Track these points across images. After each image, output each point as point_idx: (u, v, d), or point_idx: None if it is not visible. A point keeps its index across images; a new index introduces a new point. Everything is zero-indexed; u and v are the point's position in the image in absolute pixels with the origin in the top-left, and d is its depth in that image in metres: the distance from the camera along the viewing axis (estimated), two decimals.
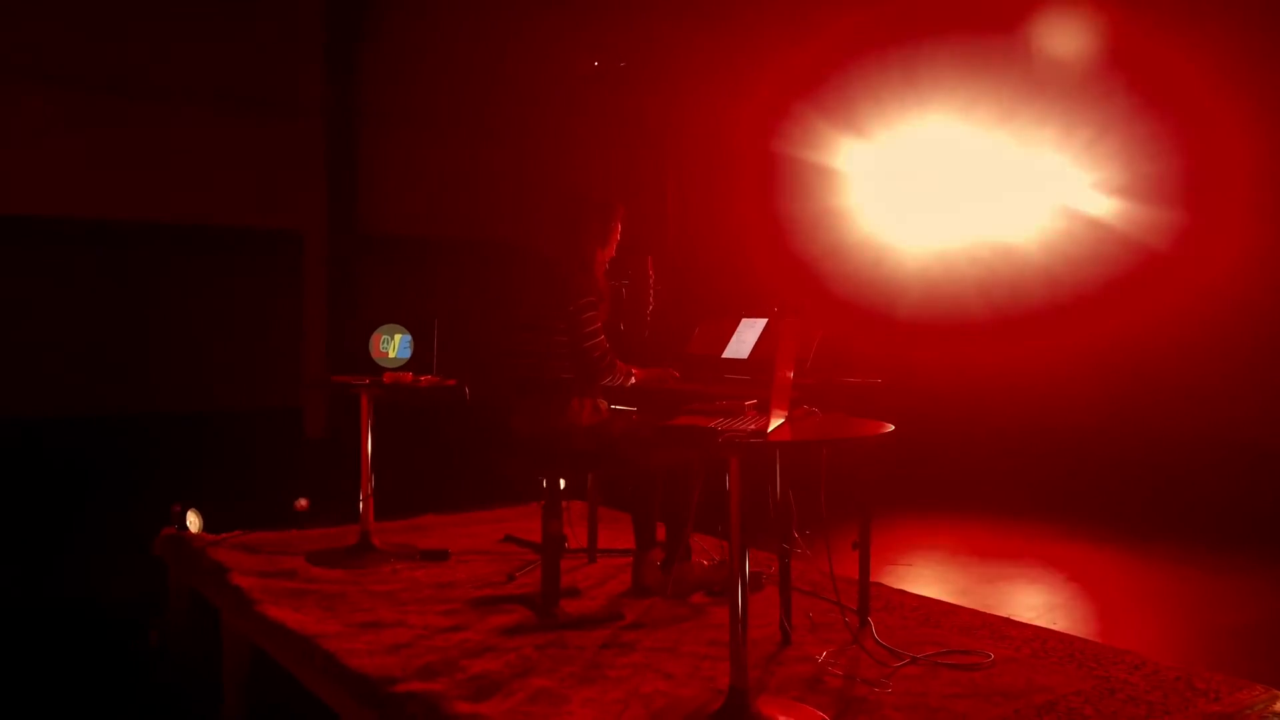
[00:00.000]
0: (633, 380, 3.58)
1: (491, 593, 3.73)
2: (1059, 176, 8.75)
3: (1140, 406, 8.15)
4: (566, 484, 3.55)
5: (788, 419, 2.59)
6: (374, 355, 4.26)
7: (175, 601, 4.29)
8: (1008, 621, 3.50)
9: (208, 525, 4.56)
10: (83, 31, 9.35)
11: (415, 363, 4.26)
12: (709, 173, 9.81)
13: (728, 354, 3.87)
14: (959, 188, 9.33)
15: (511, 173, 10.45)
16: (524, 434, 3.49)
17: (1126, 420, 8.22)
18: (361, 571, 3.98)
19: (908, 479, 8.15)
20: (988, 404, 9.14)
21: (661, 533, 3.79)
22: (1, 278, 11.13)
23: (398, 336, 4.27)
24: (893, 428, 2.83)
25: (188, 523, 4.46)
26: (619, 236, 3.65)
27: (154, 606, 4.41)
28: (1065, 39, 8.50)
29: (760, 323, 3.86)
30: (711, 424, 2.41)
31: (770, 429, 2.33)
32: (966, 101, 9.03)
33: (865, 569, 3.45)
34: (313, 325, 10.47)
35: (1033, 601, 4.59)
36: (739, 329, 3.92)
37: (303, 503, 4.53)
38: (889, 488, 8.03)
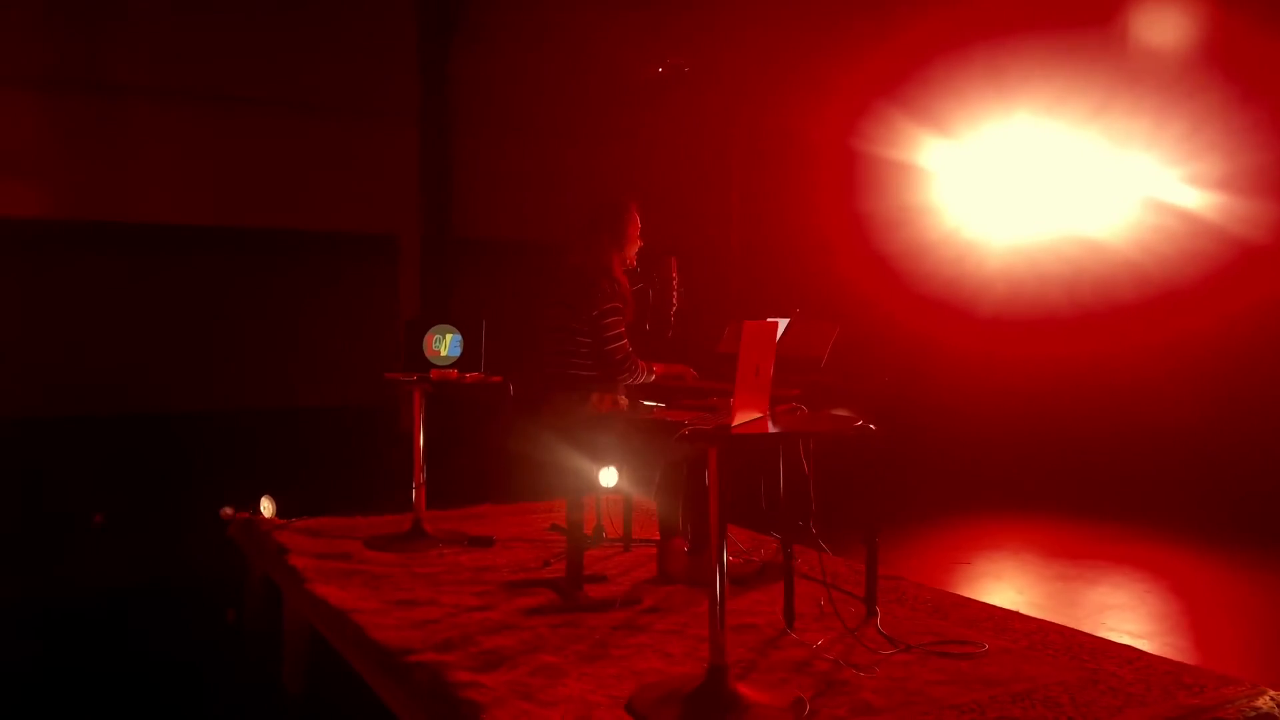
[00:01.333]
0: (653, 377, 3.77)
1: (525, 576, 3.97)
2: (1150, 171, 8.59)
3: (1235, 405, 7.94)
4: (602, 475, 3.77)
5: (766, 415, 2.76)
6: (427, 354, 4.55)
7: (250, 581, 4.66)
8: (1013, 615, 3.57)
9: (283, 512, 4.93)
10: (190, 44, 9.96)
11: (465, 360, 4.53)
12: (787, 171, 9.91)
13: None
14: (1045, 183, 9.25)
15: (596, 175, 10.72)
16: (550, 426, 3.72)
17: (1220, 420, 8.02)
18: (411, 555, 4.27)
19: (985, 477, 8.13)
20: (1073, 401, 9.01)
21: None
22: (118, 282, 11.96)
23: (449, 336, 4.55)
24: (867, 424, 2.97)
25: (261, 508, 4.84)
26: (637, 232, 3.84)
27: (233, 586, 4.80)
28: (1159, 32, 8.35)
29: (783, 323, 4.00)
30: (682, 418, 2.59)
31: (735, 424, 2.50)
32: (1055, 97, 8.94)
33: (873, 562, 3.57)
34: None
35: (1100, 603, 4.59)
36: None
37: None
38: (960, 486, 8.04)
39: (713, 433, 2.51)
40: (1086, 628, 3.60)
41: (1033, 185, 9.33)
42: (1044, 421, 9.06)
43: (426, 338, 4.55)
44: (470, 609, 3.53)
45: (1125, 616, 4.40)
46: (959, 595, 3.85)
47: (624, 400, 3.73)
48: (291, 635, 4.01)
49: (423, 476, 4.57)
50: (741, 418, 2.54)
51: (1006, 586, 5.01)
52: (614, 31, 9.49)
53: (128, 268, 11.93)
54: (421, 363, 4.52)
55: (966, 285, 9.90)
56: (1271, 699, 2.81)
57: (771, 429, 2.62)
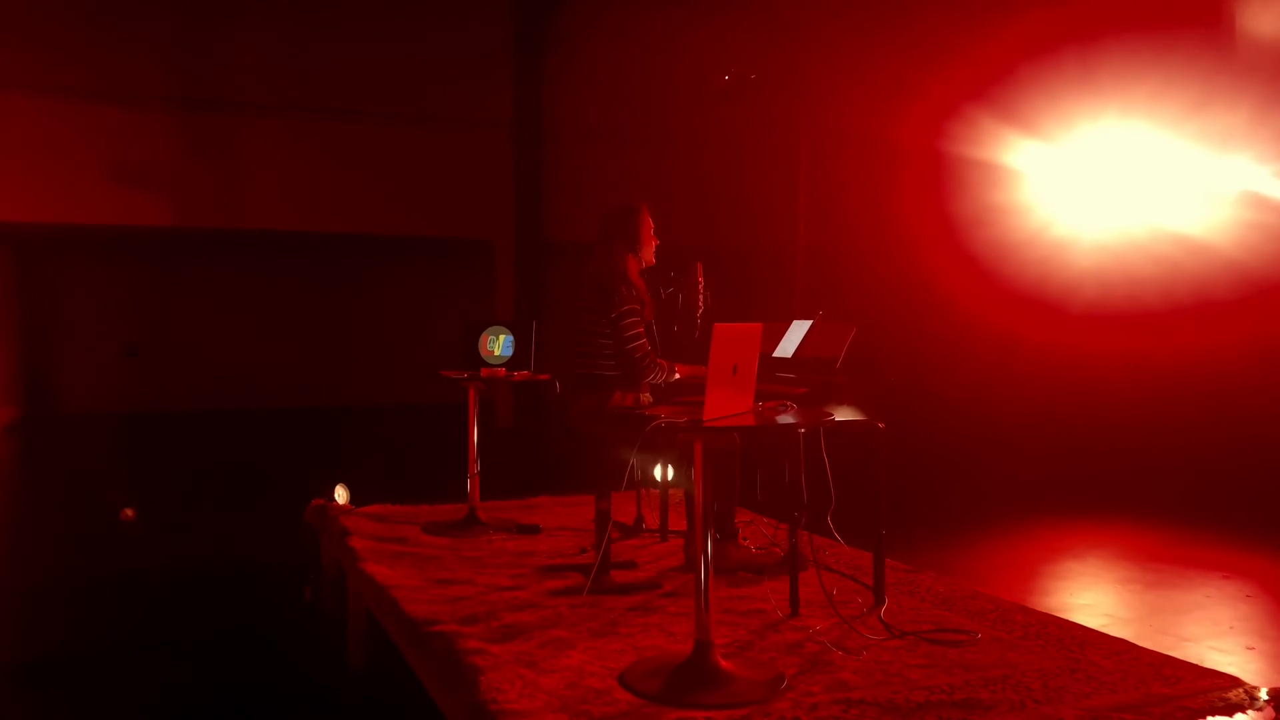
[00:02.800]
0: (676, 376, 4.00)
1: (561, 562, 4.25)
2: (1248, 168, 8.40)
3: None
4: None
5: (750, 411, 2.97)
6: (482, 353, 4.88)
7: (325, 562, 5.07)
8: (1018, 608, 3.68)
9: (374, 500, 5.32)
10: (301, 63, 10.61)
11: (516, 360, 4.84)
12: (867, 173, 9.97)
13: (777, 353, 4.22)
14: (1138, 181, 9.12)
15: (675, 177, 10.98)
16: (578, 422, 3.99)
17: None
18: (462, 540, 4.60)
19: (1078, 478, 8.07)
20: (1168, 401, 8.86)
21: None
22: (236, 286, 12.79)
23: (502, 336, 4.87)
24: (873, 422, 3.14)
25: (335, 495, 5.24)
26: (651, 233, 4.08)
27: (310, 567, 5.22)
28: (1259, 26, 8.18)
29: (807, 324, 4.18)
30: (668, 414, 2.83)
31: (707, 419, 2.73)
32: (1149, 95, 8.82)
33: (880, 554, 3.73)
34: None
35: (1183, 602, 4.60)
36: (790, 329, 4.26)
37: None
38: (1053, 487, 7.98)
39: (685, 425, 2.74)
40: (1191, 640, 3.65)
41: (1125, 183, 9.20)
42: (1137, 422, 8.93)
43: (482, 338, 4.88)
44: (502, 589, 3.83)
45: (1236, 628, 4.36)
46: (970, 588, 3.96)
47: (647, 398, 3.97)
48: (354, 613, 4.37)
49: (477, 468, 4.90)
50: (716, 413, 2.75)
51: (1098, 595, 5.00)
52: (693, 38, 9.74)
53: (244, 273, 12.78)
54: (477, 361, 4.85)
55: (1055, 283, 9.82)
56: (1245, 692, 2.88)
57: (740, 424, 2.83)
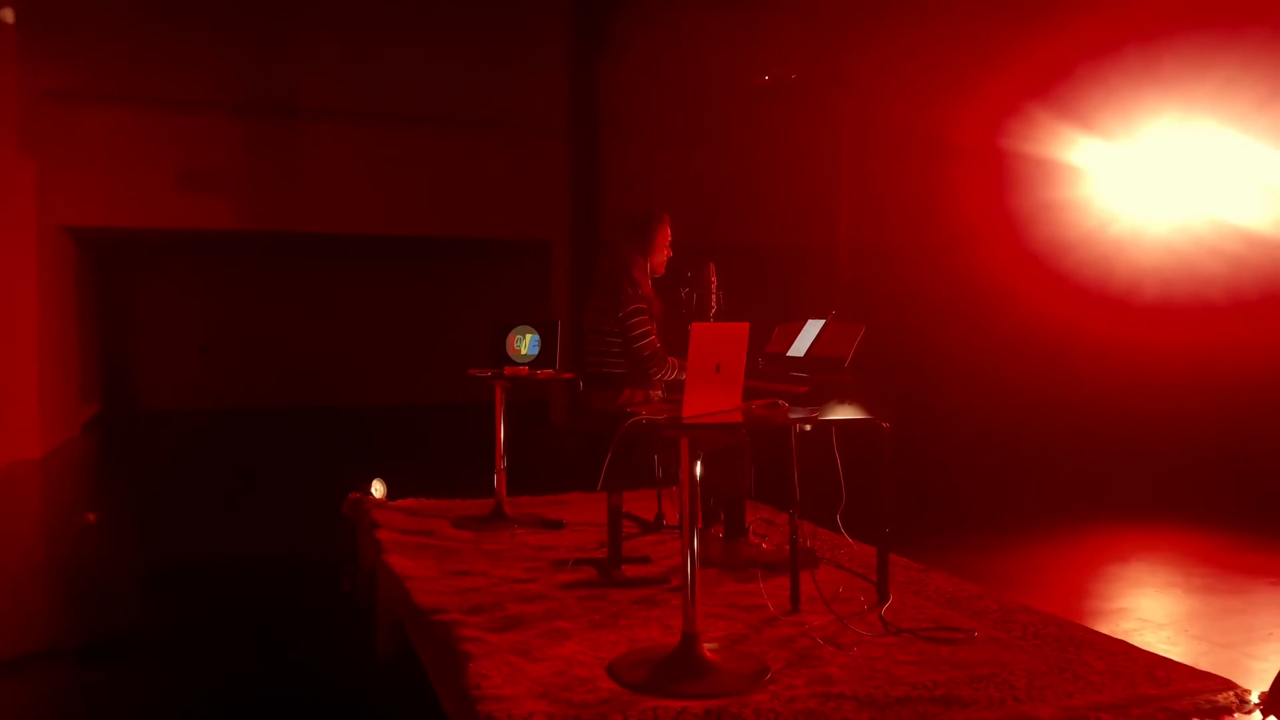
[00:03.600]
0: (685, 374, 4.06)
1: (578, 555, 4.34)
2: None
3: None
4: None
5: (737, 409, 3.02)
6: (509, 352, 5.00)
7: (361, 554, 5.24)
8: (1023, 608, 3.67)
9: (418, 493, 5.48)
10: (360, 69, 10.89)
11: (541, 359, 4.95)
12: (921, 170, 9.90)
13: (791, 352, 4.26)
14: (1203, 177, 8.94)
15: (726, 177, 11.02)
16: (590, 419, 4.08)
17: None
18: (486, 534, 4.73)
19: (1139, 478, 7.92)
20: (1230, 399, 8.66)
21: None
22: (299, 287, 13.18)
23: (528, 335, 4.98)
24: (877, 421, 3.17)
25: (372, 489, 5.42)
26: (666, 242, 4.15)
27: (349, 558, 5.39)
28: None
29: (820, 323, 4.21)
30: (640, 412, 2.90)
31: (686, 416, 2.79)
32: (1213, 93, 8.65)
33: (884, 553, 3.75)
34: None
35: (1225, 607, 4.51)
36: (804, 329, 4.29)
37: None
38: (1111, 487, 7.85)
39: (664, 422, 2.81)
40: (1225, 645, 3.64)
41: (1188, 179, 9.02)
42: (1199, 421, 8.74)
43: (509, 337, 5.00)
44: (514, 581, 3.94)
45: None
46: (977, 587, 3.95)
47: (657, 394, 4.04)
48: (382, 603, 4.52)
49: (503, 464, 5.02)
50: (696, 410, 2.82)
51: (1136, 600, 4.91)
52: (743, 38, 9.78)
53: (307, 275, 13.16)
54: (503, 360, 4.97)
55: (1117, 280, 9.66)
56: (1236, 695, 2.85)
57: (721, 421, 2.89)
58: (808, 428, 3.71)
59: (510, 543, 4.62)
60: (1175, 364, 9.02)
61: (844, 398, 3.63)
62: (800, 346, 4.22)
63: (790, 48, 10.20)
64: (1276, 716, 2.75)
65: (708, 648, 3.08)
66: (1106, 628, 3.92)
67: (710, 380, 2.86)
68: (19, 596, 5.01)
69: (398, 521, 4.83)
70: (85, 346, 11.53)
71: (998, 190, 10.12)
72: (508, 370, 4.90)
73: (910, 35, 9.60)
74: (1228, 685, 2.91)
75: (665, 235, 4.23)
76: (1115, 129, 9.30)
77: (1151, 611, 4.67)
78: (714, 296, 4.23)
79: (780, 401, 3.25)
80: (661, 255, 4.21)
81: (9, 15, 8.87)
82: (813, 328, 4.24)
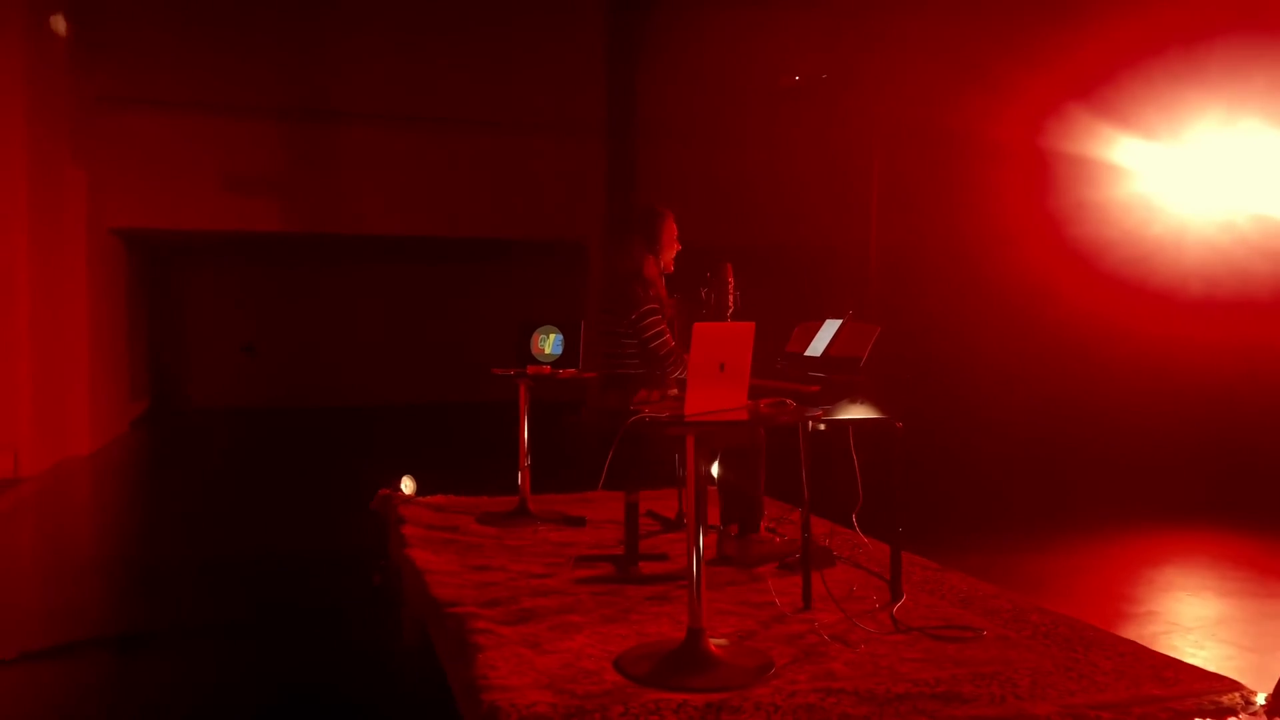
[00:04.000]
0: None
1: (597, 552, 4.40)
2: None
3: None
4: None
5: (743, 407, 3.07)
6: (533, 351, 5.08)
7: (390, 548, 5.35)
8: (1036, 608, 3.66)
9: (456, 490, 5.58)
10: (401, 74, 11.06)
11: (565, 358, 5.02)
12: (969, 171, 9.85)
13: (808, 352, 4.28)
14: (1248, 176, 8.83)
15: (762, 178, 11.04)
16: (607, 419, 4.14)
17: None
18: (508, 530, 4.81)
19: (1181, 479, 7.83)
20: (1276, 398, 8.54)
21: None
22: (342, 288, 13.39)
23: (552, 335, 5.06)
24: (893, 421, 3.21)
25: (402, 485, 5.52)
26: (673, 238, 4.20)
27: (379, 553, 5.50)
28: None
29: (837, 323, 4.24)
30: (643, 411, 2.95)
31: (689, 414, 2.84)
32: (1259, 92, 8.54)
33: (897, 551, 3.77)
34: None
35: (1256, 610, 4.44)
36: (822, 328, 4.31)
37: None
38: (1154, 489, 7.76)
39: (667, 420, 2.86)
40: (1251, 649, 3.61)
41: (1232, 179, 8.91)
42: (1245, 421, 8.63)
43: (534, 336, 5.08)
44: (532, 575, 4.01)
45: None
46: (993, 587, 3.95)
47: (674, 393, 4.09)
48: (407, 596, 4.62)
49: (527, 461, 5.10)
50: (699, 408, 2.87)
51: (1167, 603, 4.86)
52: (777, 38, 9.79)
53: (349, 275, 13.38)
54: (527, 359, 5.05)
55: (1159, 279, 9.56)
56: (1241, 696, 2.84)
57: (725, 419, 2.93)
58: (821, 426, 3.75)
59: (532, 539, 4.69)
60: (1219, 363, 8.92)
61: (856, 397, 3.66)
62: (817, 346, 4.24)
63: (823, 47, 10.19)
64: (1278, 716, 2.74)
65: (714, 643, 3.12)
66: (1133, 631, 3.91)
67: (714, 379, 2.90)
68: (65, 586, 5.18)
69: (424, 517, 4.92)
70: (135, 346, 11.83)
71: (1036, 189, 10.06)
72: (530, 369, 4.98)
73: (944, 34, 9.55)
74: (1234, 687, 2.90)
75: (672, 231, 4.28)
76: (1158, 128, 9.20)
77: (1181, 615, 4.64)
78: (731, 296, 4.26)
79: (787, 400, 3.28)
80: (670, 252, 4.27)
81: (61, 26, 9.14)
82: (830, 327, 4.26)
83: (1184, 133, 9.01)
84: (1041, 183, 10.14)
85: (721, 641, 3.21)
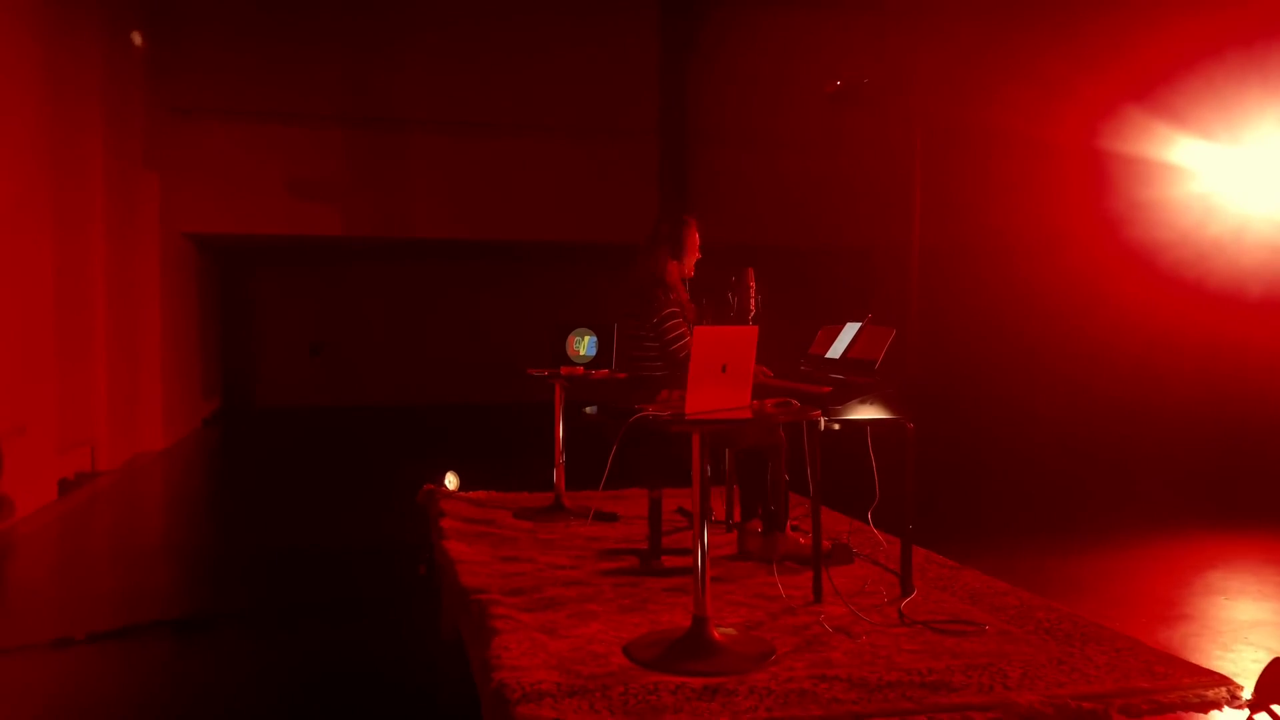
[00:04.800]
0: None
1: (625, 546, 4.58)
2: None
3: None
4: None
5: (746, 406, 3.22)
6: (569, 353, 5.28)
7: (434, 541, 5.58)
8: (1044, 605, 3.75)
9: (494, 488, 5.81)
10: (458, 81, 11.35)
11: (599, 359, 5.21)
12: (1011, 170, 9.84)
13: (829, 354, 4.41)
14: None
15: (811, 180, 11.12)
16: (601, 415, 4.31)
17: None
18: (541, 524, 5.01)
19: (1236, 482, 7.75)
20: None
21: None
22: (405, 290, 13.77)
23: (587, 337, 5.25)
24: (902, 421, 3.34)
25: (446, 481, 5.76)
26: (695, 246, 4.37)
27: (426, 545, 5.74)
28: None
29: (857, 326, 4.36)
30: (645, 409, 3.12)
31: (690, 412, 3.00)
32: None
33: (908, 548, 3.88)
34: None
35: None
36: (843, 331, 4.44)
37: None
38: (1198, 488, 7.70)
39: (669, 418, 3.03)
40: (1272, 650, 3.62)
41: None
42: None
43: (569, 338, 5.27)
44: (558, 567, 4.20)
45: None
46: (1004, 585, 4.04)
47: None
48: (445, 587, 4.84)
49: (562, 459, 5.29)
50: (699, 407, 3.03)
51: (1202, 605, 4.81)
52: (827, 41, 9.88)
53: (410, 278, 13.75)
54: (562, 360, 5.25)
55: (1217, 280, 9.46)
56: (1228, 691, 2.91)
57: (726, 418, 3.08)
58: (835, 426, 3.88)
59: (564, 533, 4.89)
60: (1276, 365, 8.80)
61: (866, 398, 3.78)
62: (837, 349, 4.38)
63: (872, 49, 10.25)
64: (1264, 712, 2.81)
65: (719, 631, 3.28)
66: (1161, 633, 3.92)
67: (715, 380, 3.06)
68: (135, 572, 5.49)
69: (463, 511, 5.15)
70: (207, 346, 12.31)
71: (1089, 189, 9.99)
72: (564, 370, 5.18)
73: (994, 34, 9.55)
74: (1223, 681, 2.97)
75: (694, 239, 4.45)
76: (1216, 128, 9.10)
77: (1216, 619, 4.60)
78: (753, 300, 4.41)
79: (792, 401, 3.42)
80: (691, 259, 4.43)
81: (138, 39, 9.60)
82: (850, 330, 4.39)
83: (1243, 133, 8.90)
84: (1094, 183, 10.08)
85: (728, 630, 3.37)
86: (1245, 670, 3.21)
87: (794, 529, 4.71)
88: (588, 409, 4.10)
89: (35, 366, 6.93)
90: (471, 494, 5.63)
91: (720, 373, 3.07)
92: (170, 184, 10.24)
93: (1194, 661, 3.23)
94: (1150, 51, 9.29)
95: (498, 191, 11.61)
